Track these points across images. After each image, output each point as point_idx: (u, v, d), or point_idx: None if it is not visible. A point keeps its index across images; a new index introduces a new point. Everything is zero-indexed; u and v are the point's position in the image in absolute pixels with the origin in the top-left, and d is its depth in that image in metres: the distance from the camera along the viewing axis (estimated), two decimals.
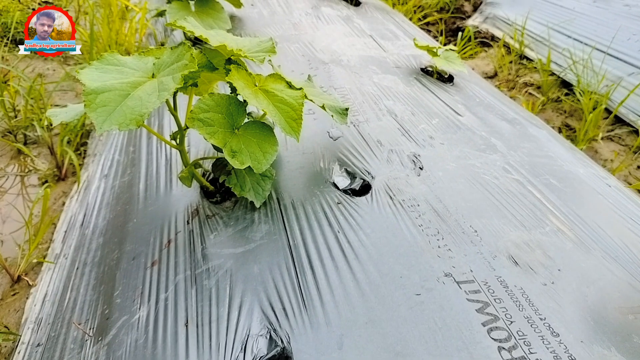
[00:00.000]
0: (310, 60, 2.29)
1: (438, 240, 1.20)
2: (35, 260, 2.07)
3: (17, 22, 3.89)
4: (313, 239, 1.25)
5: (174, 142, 1.52)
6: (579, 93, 3.51)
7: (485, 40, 4.80)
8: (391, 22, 3.14)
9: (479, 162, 1.55)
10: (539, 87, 3.93)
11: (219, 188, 1.58)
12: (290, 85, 1.49)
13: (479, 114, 1.92)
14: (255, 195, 1.42)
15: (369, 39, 2.68)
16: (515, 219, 1.31)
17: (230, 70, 1.43)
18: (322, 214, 1.33)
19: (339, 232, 1.26)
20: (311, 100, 1.49)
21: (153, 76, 1.39)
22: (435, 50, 2.27)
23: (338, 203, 1.36)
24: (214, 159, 1.58)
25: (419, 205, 1.33)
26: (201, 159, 1.57)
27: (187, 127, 1.49)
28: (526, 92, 3.87)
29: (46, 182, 2.60)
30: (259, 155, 1.34)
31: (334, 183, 1.45)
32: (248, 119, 1.43)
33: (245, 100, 1.41)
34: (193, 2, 2.65)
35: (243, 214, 1.41)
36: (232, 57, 1.48)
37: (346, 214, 1.32)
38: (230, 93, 1.53)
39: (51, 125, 2.91)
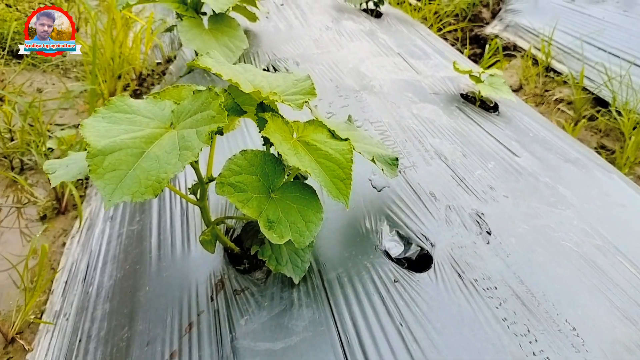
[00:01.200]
0: (338, 86, 2.05)
1: (530, 343, 0.97)
2: (32, 316, 1.84)
3: (14, 32, 3.65)
4: (370, 334, 1.02)
5: (193, 198, 1.29)
6: (616, 111, 3.27)
7: (507, 50, 4.56)
8: (417, 37, 2.90)
9: (553, 222, 1.31)
10: (569, 103, 3.69)
11: (246, 250, 1.34)
12: (333, 135, 1.25)
13: (537, 154, 1.68)
14: (293, 269, 1.18)
15: (398, 58, 2.44)
16: (615, 307, 1.07)
17: (264, 121, 1.19)
18: (377, 296, 1.10)
19: (401, 325, 1.02)
20: (359, 152, 1.25)
21: (172, 126, 1.16)
22: (478, 75, 2.03)
23: (395, 281, 1.12)
24: (243, 220, 1.34)
25: (496, 289, 1.09)
26: (226, 218, 1.33)
27: (210, 180, 1.26)
28: (557, 109, 3.63)
29: (45, 216, 2.36)
30: (301, 226, 1.10)
31: (385, 251, 1.21)
32: (286, 176, 1.19)
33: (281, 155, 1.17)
34: (206, 17, 2.41)
35: (279, 291, 1.18)
36: (264, 101, 1.24)
37: (407, 298, 1.08)
38: (263, 144, 1.29)
39: (50, 149, 2.68)
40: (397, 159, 1.33)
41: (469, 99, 2.11)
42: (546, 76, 4.05)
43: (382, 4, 3.22)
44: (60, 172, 1.22)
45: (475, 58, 4.55)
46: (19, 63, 3.71)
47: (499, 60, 3.99)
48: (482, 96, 2.06)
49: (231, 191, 1.07)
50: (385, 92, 2.01)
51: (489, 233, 1.25)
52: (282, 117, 1.21)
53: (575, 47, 4.04)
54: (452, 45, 4.72)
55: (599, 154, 3.14)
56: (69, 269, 1.90)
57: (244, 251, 1.36)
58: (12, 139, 2.86)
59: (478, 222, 1.29)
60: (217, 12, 2.21)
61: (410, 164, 1.54)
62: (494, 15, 5.37)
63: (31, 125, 2.86)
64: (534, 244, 1.23)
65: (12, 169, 2.69)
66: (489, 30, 4.98)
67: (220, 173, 1.08)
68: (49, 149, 2.64)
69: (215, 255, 1.33)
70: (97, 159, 1.01)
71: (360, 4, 3.23)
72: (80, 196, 2.46)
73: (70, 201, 2.43)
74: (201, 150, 1.03)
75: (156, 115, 1.17)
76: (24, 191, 2.49)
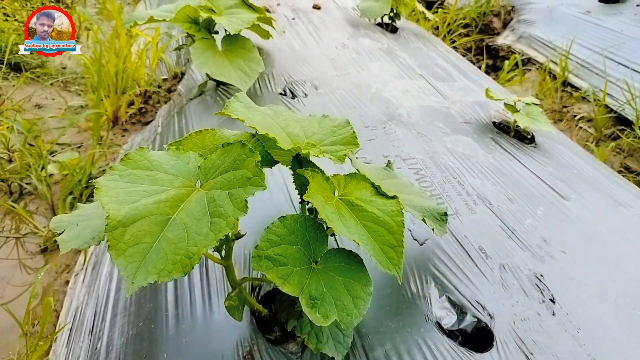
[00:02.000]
0: (362, 116, 1.91)
1: None
2: None
3: (13, 44, 3.49)
4: None
5: (217, 256, 1.14)
6: None
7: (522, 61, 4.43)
8: (436, 54, 2.76)
9: (622, 288, 1.17)
10: (589, 120, 3.56)
11: (276, 313, 1.20)
12: (377, 190, 1.11)
13: (586, 195, 1.54)
14: (335, 346, 1.04)
15: (422, 81, 2.30)
16: None
17: (302, 178, 1.05)
18: None
19: None
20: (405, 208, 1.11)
21: (199, 184, 1.02)
22: (513, 104, 1.89)
23: None
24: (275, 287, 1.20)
25: None
26: (254, 280, 1.19)
27: (237, 238, 1.11)
28: (577, 126, 3.50)
29: (45, 248, 2.21)
30: (348, 303, 0.95)
31: (437, 322, 1.07)
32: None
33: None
34: (218, 35, 2.26)
35: None
36: (301, 154, 1.09)
37: None
38: (300, 202, 1.15)
39: (50, 175, 2.53)
40: (445, 214, 1.19)
41: (502, 128, 1.97)
42: (563, 91, 3.92)
43: (399, 18, 3.08)
44: (70, 233, 1.08)
45: (487, 70, 4.42)
46: (18, 77, 3.56)
47: (516, 75, 3.86)
48: (517, 126, 1.92)
49: (269, 266, 0.93)
50: (414, 122, 1.87)
51: (552, 301, 1.12)
52: (321, 171, 1.07)
53: (593, 61, 3.91)
54: (464, 55, 4.59)
55: (623, 176, 3.01)
56: (74, 313, 1.75)
57: (273, 314, 1.22)
58: (10, 161, 2.71)
59: (538, 287, 1.15)
60: (231, 33, 2.06)
61: (452, 211, 1.40)
62: (505, 25, 5.24)
63: (31, 145, 2.72)
64: (605, 315, 1.09)
65: (11, 193, 2.54)
66: (501, 41, 4.85)
67: (258, 245, 0.94)
68: (50, 175, 2.49)
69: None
70: (117, 232, 0.87)
71: (375, 19, 3.09)
72: None
73: None
74: (237, 220, 0.89)
75: (180, 171, 1.03)
76: (23, 220, 2.34)
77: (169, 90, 3.09)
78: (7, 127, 2.81)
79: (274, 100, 2.13)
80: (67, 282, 2.03)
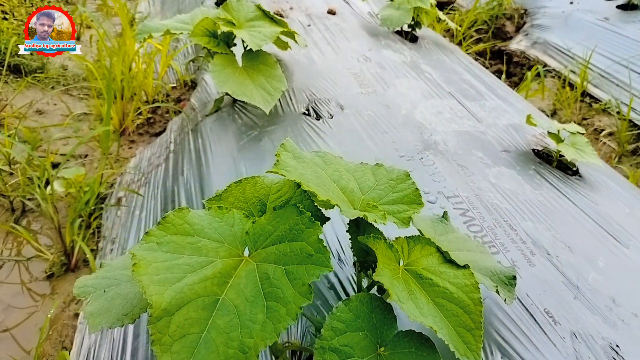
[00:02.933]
0: (395, 142, 1.79)
1: None
2: None
3: (14, 46, 3.33)
4: None
5: None
6: None
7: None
8: (461, 67, 2.63)
9: None
10: (611, 134, 3.45)
11: None
12: (444, 256, 0.99)
13: None
14: None
15: (452, 101, 2.17)
16: None
17: (367, 251, 0.92)
18: None
19: None
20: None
21: (247, 253, 0.89)
22: (557, 132, 1.77)
23: None
24: None
25: None
26: (300, 348, 1.06)
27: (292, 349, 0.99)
28: (598, 140, 3.39)
29: (52, 274, 2.08)
30: None
31: None
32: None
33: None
34: (234, 47, 2.12)
35: None
36: (360, 216, 0.96)
37: None
38: (361, 272, 1.02)
39: (51, 192, 2.39)
40: (514, 278, 1.07)
41: (542, 156, 1.85)
42: (582, 101, 3.80)
43: (419, 27, 2.95)
44: (98, 304, 0.94)
45: (499, 75, 4.29)
46: (17, 79, 3.40)
47: (543, 89, 3.74)
48: (561, 156, 1.80)
49: (335, 359, 0.80)
50: (451, 151, 1.74)
51: None
52: (382, 235, 0.94)
53: (613, 71, 3.79)
54: (475, 60, 4.46)
55: None
56: (86, 355, 1.63)
57: None
58: (11, 173, 2.57)
59: None
60: (253, 49, 1.93)
61: (509, 262, 1.28)
62: (517, 29, 5.11)
63: (31, 161, 2.57)
64: None
65: (13, 210, 2.40)
66: (514, 46, 4.72)
67: (322, 335, 0.81)
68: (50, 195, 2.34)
69: None
70: (161, 324, 0.75)
71: (394, 28, 2.95)
72: (92, 250, 2.18)
73: (81, 256, 2.14)
74: (301, 309, 0.76)
75: (225, 236, 0.90)
76: (28, 242, 2.20)
77: (178, 100, 2.95)
78: (9, 135, 2.66)
79: (296, 120, 2.00)
80: (77, 314, 1.90)
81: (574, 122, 3.64)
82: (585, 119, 3.63)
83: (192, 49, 3.15)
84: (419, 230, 1.01)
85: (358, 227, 0.98)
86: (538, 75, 4.40)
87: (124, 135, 2.87)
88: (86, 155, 2.77)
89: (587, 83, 3.82)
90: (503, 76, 4.02)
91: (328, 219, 1.03)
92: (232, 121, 2.10)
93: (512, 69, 4.53)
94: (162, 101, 2.94)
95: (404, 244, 0.97)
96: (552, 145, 1.95)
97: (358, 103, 2.08)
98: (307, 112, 2.05)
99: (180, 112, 2.55)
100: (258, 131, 1.98)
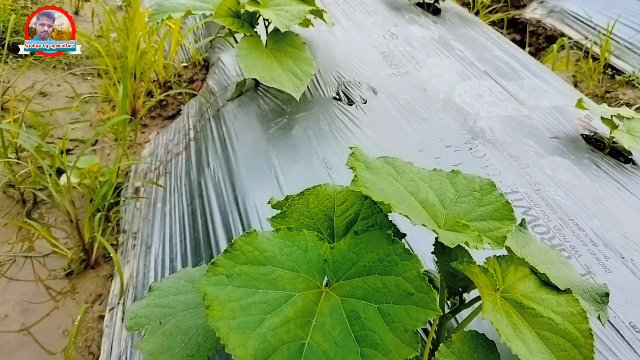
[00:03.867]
0: (439, 131, 1.67)
1: None
2: None
3: (15, 24, 3.14)
4: None
5: None
6: None
7: (552, 40, 4.16)
8: (490, 42, 2.50)
9: None
10: (637, 108, 3.34)
11: None
12: (540, 279, 0.89)
13: None
14: None
15: (490, 81, 2.05)
16: None
17: (449, 270, 0.82)
18: None
19: None
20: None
21: (326, 283, 0.79)
22: (610, 118, 1.66)
23: None
24: None
25: None
26: None
27: None
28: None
29: (71, 272, 1.98)
30: None
31: None
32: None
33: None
34: (257, 25, 1.98)
35: None
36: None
37: None
38: (450, 297, 0.92)
39: (67, 184, 2.26)
40: (607, 295, 0.97)
41: (592, 142, 1.74)
42: (604, 73, 3.67)
43: None
44: (156, 340, 0.84)
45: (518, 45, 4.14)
46: (18, 59, 3.23)
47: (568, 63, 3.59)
48: (614, 142, 1.69)
49: None
50: (500, 140, 1.63)
51: None
52: (472, 259, 0.84)
53: (636, 41, 3.65)
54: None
55: None
56: None
57: None
58: (18, 161, 2.43)
59: None
60: (280, 30, 1.78)
61: (584, 269, 1.18)
62: None
63: (39, 148, 2.44)
64: None
65: (24, 202, 2.28)
66: (529, 14, 4.55)
67: None
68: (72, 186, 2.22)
69: None
70: None
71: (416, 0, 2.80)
72: (112, 245, 2.08)
73: (101, 251, 2.04)
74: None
75: (299, 264, 0.80)
76: (42, 237, 2.09)
77: (191, 80, 2.80)
78: (15, 120, 2.53)
79: (327, 106, 1.87)
80: (101, 316, 1.80)
81: (597, 95, 3.52)
82: (608, 91, 3.51)
83: (203, 27, 2.98)
84: (509, 250, 0.91)
85: (444, 247, 0.87)
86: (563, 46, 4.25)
87: (134, 118, 2.73)
88: (96, 141, 2.64)
89: (609, 54, 3.68)
90: (526, 49, 3.86)
91: (404, 235, 0.93)
92: (257, 107, 1.97)
93: (527, 38, 4.38)
94: (175, 82, 2.79)
95: (496, 266, 0.87)
96: (601, 128, 1.84)
97: (391, 86, 1.95)
98: (337, 97, 1.92)
99: (194, 94, 2.41)
100: (287, 118, 1.85)
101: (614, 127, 1.65)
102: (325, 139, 1.71)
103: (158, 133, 2.57)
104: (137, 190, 2.23)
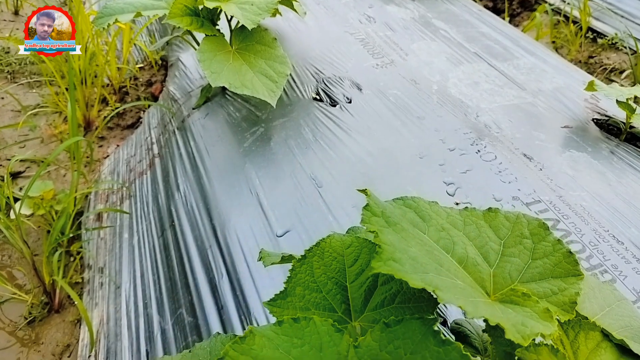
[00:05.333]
0: (439, 130, 1.47)
1: None
2: None
3: None
4: None
5: None
6: None
7: (528, 5, 3.98)
8: (473, 16, 2.29)
9: None
10: (622, 72, 3.19)
11: None
12: (614, 344, 0.70)
13: None
14: None
15: (482, 64, 1.85)
16: None
17: (505, 350, 0.62)
18: None
19: None
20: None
21: None
22: (626, 101, 1.48)
23: None
24: None
25: None
26: None
27: None
28: (610, 80, 3.12)
29: (33, 319, 1.73)
30: None
31: None
32: None
33: None
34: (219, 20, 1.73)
35: None
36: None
37: None
38: None
39: (17, 219, 1.99)
40: None
41: (604, 127, 1.57)
42: (585, 37, 3.51)
43: None
44: None
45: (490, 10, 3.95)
46: None
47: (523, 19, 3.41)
48: (630, 127, 1.52)
49: None
50: (509, 137, 1.44)
51: None
52: (545, 346, 0.64)
53: (615, 1, 3.49)
54: None
55: None
56: None
57: None
58: None
59: None
60: (247, 27, 1.54)
61: (633, 294, 1.01)
62: None
63: None
64: None
65: None
66: None
67: None
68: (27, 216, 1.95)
69: None
70: None
71: None
72: (77, 283, 1.84)
73: (65, 292, 1.79)
74: None
75: None
76: None
77: (149, 83, 2.52)
78: None
79: (308, 109, 1.65)
80: None
81: (580, 61, 3.36)
82: (591, 56, 3.35)
83: (157, 22, 2.69)
84: (578, 314, 0.71)
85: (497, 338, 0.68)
86: (530, 10, 4.09)
87: (89, 130, 2.46)
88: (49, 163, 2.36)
89: (589, 17, 3.51)
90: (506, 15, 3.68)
91: (438, 303, 0.73)
92: (228, 115, 1.73)
93: (499, 4, 4.19)
94: (131, 86, 2.51)
95: (563, 337, 0.68)
96: (611, 109, 1.67)
97: (377, 79, 1.73)
98: (318, 97, 1.70)
99: (153, 96, 2.15)
100: (263, 127, 1.62)
101: (632, 110, 1.47)
102: (310, 149, 1.49)
103: (118, 146, 2.30)
104: (99, 216, 1.98)
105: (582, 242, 1.12)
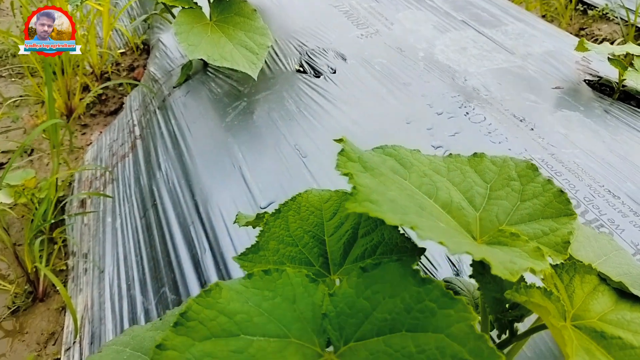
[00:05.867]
0: (426, 95, 1.42)
1: None
2: None
3: None
4: None
5: None
6: None
7: None
8: None
9: None
10: (613, 42, 3.14)
11: None
12: (611, 288, 0.65)
13: None
14: None
15: (470, 31, 1.80)
16: None
17: (495, 297, 0.58)
18: None
19: None
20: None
21: (327, 344, 0.54)
22: (619, 58, 1.43)
23: None
24: None
25: None
26: None
27: None
28: None
29: (17, 309, 1.69)
30: None
31: None
32: None
33: None
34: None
35: None
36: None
37: None
38: (500, 333, 0.68)
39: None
40: None
41: (597, 87, 1.52)
42: (576, 9, 3.46)
43: None
44: None
45: None
46: None
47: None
48: (623, 86, 1.47)
49: None
50: (498, 98, 1.39)
51: None
52: (537, 289, 0.59)
53: None
54: None
55: None
56: None
57: None
58: None
59: None
60: None
61: (631, 247, 0.96)
62: None
63: None
64: None
65: None
66: None
67: None
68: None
69: None
70: None
71: None
72: (61, 271, 1.79)
73: (49, 280, 1.74)
74: None
75: (287, 323, 0.56)
76: None
77: (131, 68, 2.46)
78: None
79: (291, 81, 1.60)
80: (57, 359, 1.53)
81: (571, 33, 3.31)
82: (582, 28, 3.30)
83: (138, 6, 2.63)
84: (572, 257, 0.67)
85: (484, 267, 0.63)
86: None
87: (72, 118, 2.40)
88: (32, 151, 2.31)
89: None
90: None
91: (424, 250, 0.68)
92: (209, 91, 1.68)
93: None
94: (113, 72, 2.45)
95: (557, 281, 0.63)
96: (603, 70, 1.62)
97: (362, 49, 1.68)
98: (301, 69, 1.64)
99: (137, 83, 2.09)
100: (245, 101, 1.57)
101: (624, 68, 1.42)
102: (294, 121, 1.44)
103: (101, 133, 2.25)
104: (83, 203, 1.92)
105: (577, 198, 1.07)
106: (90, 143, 2.24)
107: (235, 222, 0.82)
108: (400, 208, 0.56)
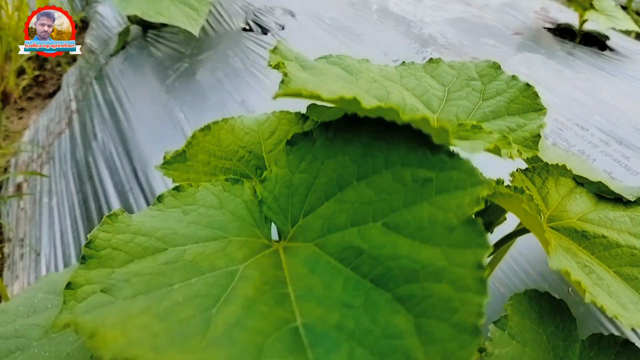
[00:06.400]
0: (381, 45, 1.33)
1: None
2: None
3: None
4: None
5: None
6: None
7: None
8: None
9: None
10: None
11: None
12: (588, 190, 0.57)
13: None
14: None
15: None
16: None
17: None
18: None
19: None
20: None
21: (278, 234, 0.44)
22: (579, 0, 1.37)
23: None
24: None
25: None
26: None
27: None
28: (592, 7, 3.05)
29: None
30: None
31: None
32: None
33: None
34: None
35: None
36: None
37: None
38: None
39: None
40: None
41: (557, 33, 1.46)
42: None
43: None
44: None
45: None
46: None
47: None
48: (583, 30, 1.42)
49: None
50: (456, 44, 1.31)
51: None
52: (505, 185, 0.50)
53: None
54: None
55: None
56: None
57: None
58: None
59: None
60: None
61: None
62: None
63: None
64: None
65: None
66: None
67: None
68: None
69: None
70: None
71: None
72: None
73: None
74: None
75: (221, 226, 0.47)
76: None
77: None
78: None
79: (237, 40, 1.48)
80: None
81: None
82: None
83: None
84: (541, 158, 0.58)
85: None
86: None
87: (8, 103, 2.22)
88: None
89: None
90: None
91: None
92: (149, 56, 1.55)
93: None
94: None
95: (528, 184, 0.54)
96: (563, 18, 1.56)
97: (311, 4, 1.58)
98: (247, 28, 1.53)
99: (74, 60, 1.94)
100: (188, 62, 1.45)
101: (584, 9, 1.36)
102: (241, 77, 1.33)
103: (38, 115, 2.08)
104: (19, 187, 1.77)
105: (545, 132, 1.00)
106: (28, 127, 2.08)
107: (160, 165, 0.70)
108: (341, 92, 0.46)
